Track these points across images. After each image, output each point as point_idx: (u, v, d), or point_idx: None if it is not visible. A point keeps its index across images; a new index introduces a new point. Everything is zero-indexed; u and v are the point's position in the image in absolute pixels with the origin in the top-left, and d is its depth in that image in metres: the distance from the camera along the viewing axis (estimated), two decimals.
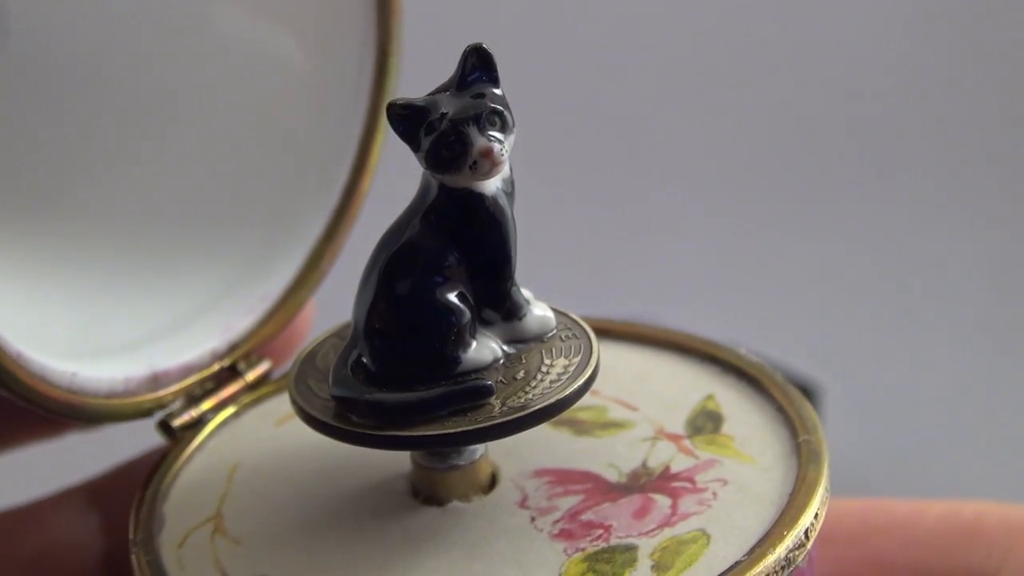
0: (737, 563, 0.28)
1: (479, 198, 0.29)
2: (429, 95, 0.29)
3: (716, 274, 0.88)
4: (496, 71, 0.29)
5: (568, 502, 0.30)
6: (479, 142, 0.28)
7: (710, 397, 0.33)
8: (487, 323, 0.30)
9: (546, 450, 0.31)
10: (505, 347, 0.30)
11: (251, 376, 0.35)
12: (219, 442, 0.34)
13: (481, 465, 0.30)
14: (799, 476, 0.30)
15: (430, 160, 0.28)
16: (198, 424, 0.34)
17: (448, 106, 0.28)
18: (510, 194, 0.29)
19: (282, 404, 0.33)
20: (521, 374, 0.29)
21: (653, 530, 0.29)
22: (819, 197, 0.92)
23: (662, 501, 0.30)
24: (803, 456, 0.30)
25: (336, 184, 0.36)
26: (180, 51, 0.37)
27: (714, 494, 0.30)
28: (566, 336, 0.30)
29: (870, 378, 0.81)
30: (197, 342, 0.34)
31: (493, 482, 0.31)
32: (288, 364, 0.34)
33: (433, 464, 0.30)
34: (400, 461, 0.31)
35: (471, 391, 0.29)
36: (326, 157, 0.36)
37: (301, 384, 0.30)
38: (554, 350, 0.30)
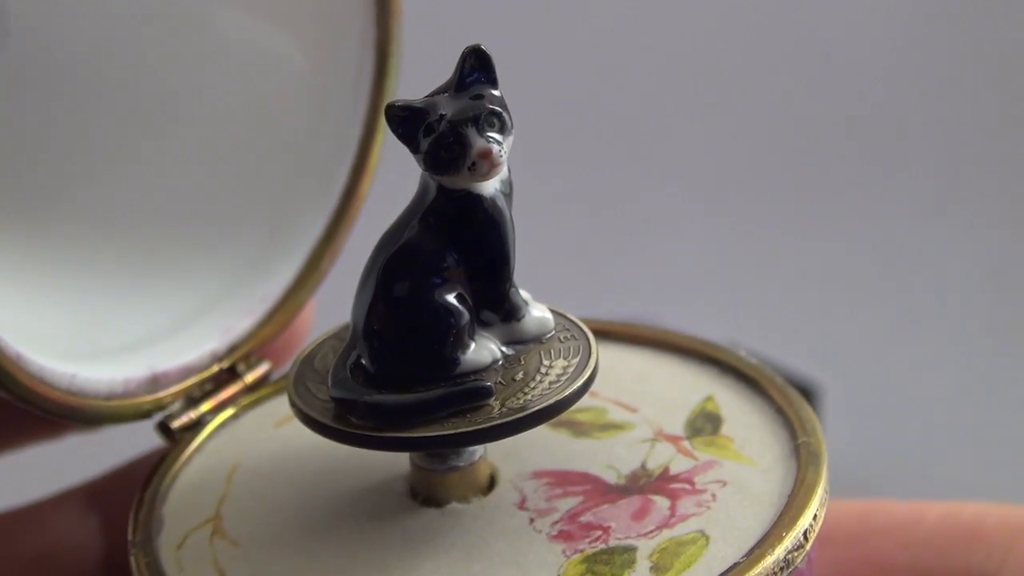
0: (736, 564, 0.28)
1: (478, 199, 0.29)
2: (428, 96, 0.29)
3: (716, 274, 0.88)
4: (495, 72, 0.29)
5: (567, 503, 0.30)
6: (478, 143, 0.28)
7: (709, 398, 0.33)
8: (486, 324, 0.30)
9: (545, 451, 0.31)
10: (504, 348, 0.30)
11: (250, 378, 0.35)
12: (218, 444, 0.34)
13: (480, 466, 0.30)
14: (798, 477, 0.30)
15: (429, 161, 0.28)
16: (197, 425, 0.34)
17: (447, 107, 0.28)
18: (508, 195, 0.29)
19: (281, 406, 0.33)
20: (520, 375, 0.29)
21: (652, 531, 0.29)
22: (819, 197, 0.92)
23: (661, 502, 0.30)
24: (802, 458, 0.30)
25: (335, 185, 0.36)
26: (180, 52, 0.37)
27: (713, 495, 0.30)
28: (565, 337, 0.30)
29: (870, 378, 0.81)
30: (196, 343, 0.34)
31: (492, 483, 0.31)
32: (287, 365, 0.33)
33: (432, 465, 0.30)
34: (399, 462, 0.31)
35: (470, 392, 0.29)
36: (325, 158, 0.36)
37: (300, 386, 0.30)
38: (553, 351, 0.30)
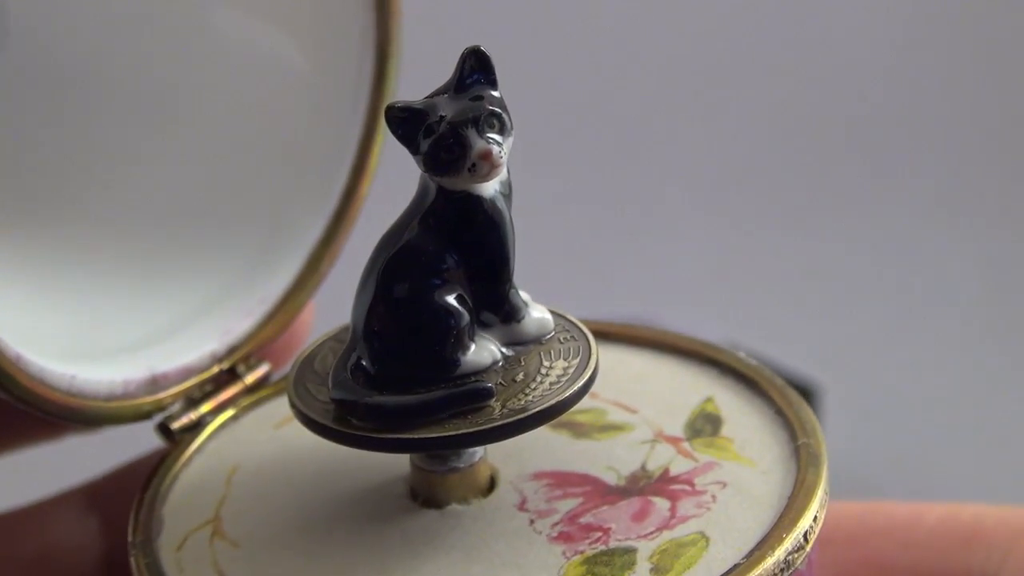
0: (736, 566, 0.28)
1: (477, 200, 0.29)
2: (427, 98, 0.29)
3: (716, 275, 0.88)
4: (494, 73, 0.29)
5: (567, 505, 0.30)
6: (478, 144, 0.28)
7: (709, 400, 0.33)
8: (485, 325, 0.30)
9: (545, 453, 0.31)
10: (504, 349, 0.30)
11: (250, 379, 0.35)
12: (218, 445, 0.34)
13: (480, 468, 0.30)
14: (798, 479, 0.30)
15: (429, 163, 0.28)
16: (197, 427, 0.34)
17: (446, 109, 0.28)
18: (507, 196, 0.29)
19: (281, 407, 0.33)
20: (520, 376, 0.29)
21: (652, 533, 0.29)
22: (819, 197, 0.92)
23: (661, 504, 0.30)
24: (802, 459, 0.30)
25: (335, 187, 0.36)
26: (180, 52, 0.37)
27: (713, 497, 0.30)
28: (564, 338, 0.30)
29: (870, 378, 0.81)
30: (196, 345, 0.34)
31: (492, 485, 0.31)
32: (287, 367, 0.33)
33: (432, 467, 0.30)
34: (399, 464, 0.31)
35: (471, 393, 0.29)
36: (325, 159, 0.36)
37: (300, 387, 0.30)
38: (553, 352, 0.30)
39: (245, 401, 0.35)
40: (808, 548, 0.29)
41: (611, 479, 0.31)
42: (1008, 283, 0.88)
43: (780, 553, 0.28)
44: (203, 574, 0.29)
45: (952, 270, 0.89)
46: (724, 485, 0.30)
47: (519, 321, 0.30)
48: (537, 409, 0.28)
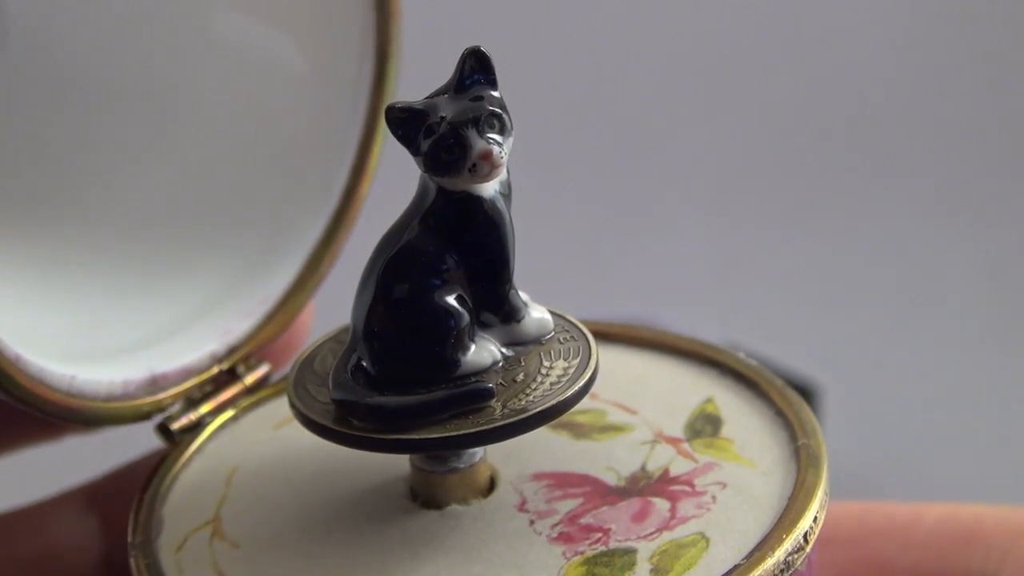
0: (736, 566, 0.28)
1: (477, 201, 0.29)
2: (427, 98, 0.29)
3: (715, 275, 0.88)
4: (494, 73, 0.29)
5: (567, 505, 0.30)
6: (478, 145, 0.28)
7: (709, 400, 0.33)
8: (485, 326, 0.30)
9: (545, 453, 0.31)
10: (504, 350, 0.30)
11: (250, 379, 0.35)
12: (218, 445, 0.34)
13: (480, 468, 0.30)
14: (798, 480, 0.30)
15: (429, 163, 0.28)
16: (197, 427, 0.34)
17: (447, 109, 0.28)
18: (507, 196, 0.29)
19: (281, 407, 0.33)
20: (521, 376, 0.29)
21: (652, 533, 0.29)
22: (819, 197, 0.92)
23: (661, 504, 0.30)
24: (802, 460, 0.30)
25: (335, 187, 0.36)
26: (179, 53, 0.37)
27: (713, 497, 0.30)
28: (564, 339, 0.30)
29: (870, 378, 0.81)
30: (196, 345, 0.34)
31: (492, 485, 0.31)
32: (287, 367, 0.33)
33: (432, 467, 0.30)
34: (398, 464, 0.31)
35: (472, 394, 0.29)
36: (325, 160, 0.36)
37: (300, 388, 0.30)
38: (553, 352, 0.30)
39: (245, 402, 0.35)
40: (808, 549, 0.29)
41: (611, 480, 0.31)
42: (1008, 283, 0.88)
43: (780, 554, 0.28)
44: (203, 575, 0.29)
45: (952, 270, 0.89)
46: (724, 486, 0.30)
47: (519, 321, 0.30)
48: (538, 409, 0.28)
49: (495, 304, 0.30)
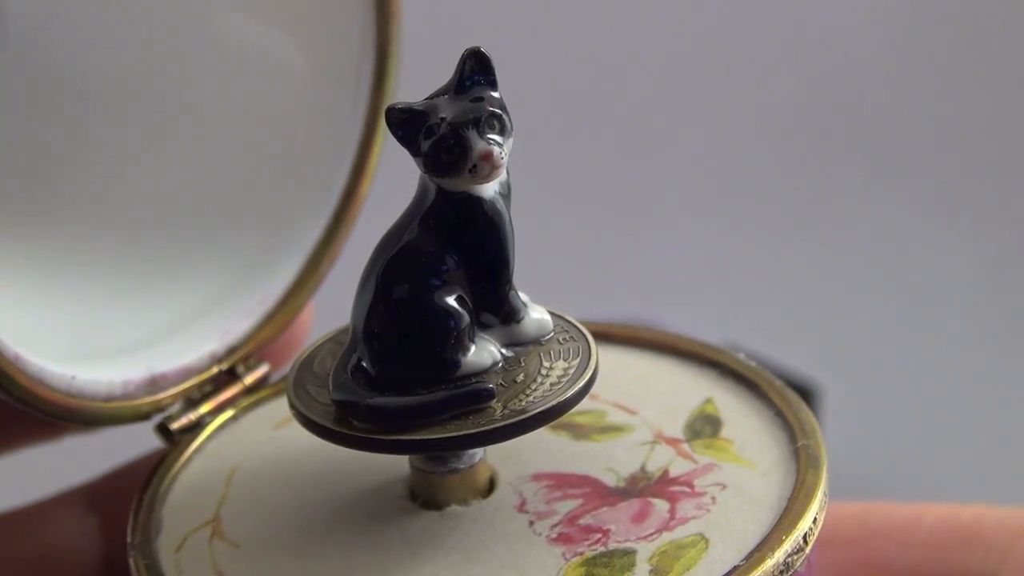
0: (735, 567, 0.28)
1: (477, 202, 0.29)
2: (427, 99, 0.29)
3: (715, 275, 0.88)
4: (494, 74, 0.29)
5: (567, 506, 0.30)
6: (479, 145, 0.28)
7: (709, 401, 0.33)
8: (485, 326, 0.30)
9: (545, 454, 0.31)
10: (503, 350, 0.30)
11: (250, 379, 0.35)
12: (217, 445, 0.34)
13: (480, 469, 0.30)
14: (798, 480, 0.30)
15: (429, 164, 0.28)
16: (196, 427, 0.34)
17: (447, 110, 0.28)
18: (506, 197, 0.29)
19: (280, 407, 0.33)
20: (521, 377, 0.29)
21: (652, 534, 0.29)
22: (819, 197, 0.92)
23: (660, 505, 0.30)
24: (802, 460, 0.30)
25: (335, 187, 0.36)
26: (179, 53, 0.37)
27: (712, 498, 0.30)
28: (564, 339, 0.30)
29: (870, 378, 0.81)
30: (196, 345, 0.34)
31: (491, 486, 0.31)
32: (287, 367, 0.33)
33: (432, 468, 0.30)
34: (398, 465, 0.31)
35: (473, 394, 0.29)
36: (325, 160, 0.36)
37: (299, 389, 0.30)
38: (552, 353, 0.30)
39: (244, 402, 0.35)
40: (807, 549, 0.29)
41: (611, 480, 0.31)
42: (1008, 283, 0.88)
43: (779, 555, 0.28)
44: (202, 575, 0.29)
45: (952, 270, 0.89)
46: (724, 487, 0.30)
47: (518, 322, 0.30)
48: (539, 410, 0.28)
49: (495, 305, 0.30)
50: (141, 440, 0.35)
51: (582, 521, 0.29)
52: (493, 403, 0.29)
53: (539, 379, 0.29)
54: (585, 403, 0.29)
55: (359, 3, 0.35)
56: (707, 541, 0.29)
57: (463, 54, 0.29)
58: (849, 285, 0.88)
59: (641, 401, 0.33)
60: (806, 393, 0.67)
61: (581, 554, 0.29)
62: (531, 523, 0.30)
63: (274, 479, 0.32)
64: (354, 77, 0.36)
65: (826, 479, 0.30)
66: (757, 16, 0.95)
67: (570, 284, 0.71)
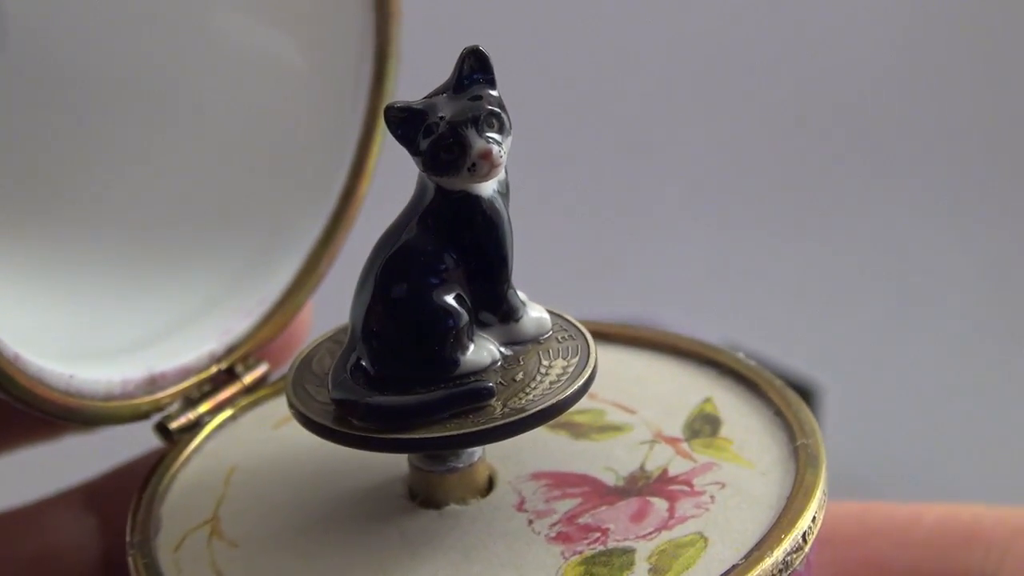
0: (735, 566, 0.28)
1: (476, 200, 0.29)
2: (426, 98, 0.29)
3: (715, 275, 0.88)
4: (493, 73, 0.29)
5: (566, 505, 0.30)
6: (478, 144, 0.28)
7: (708, 400, 0.33)
8: (484, 325, 0.30)
9: (544, 453, 0.31)
10: (502, 349, 0.30)
11: (249, 379, 0.35)
12: (216, 445, 0.34)
13: (479, 468, 0.30)
14: (797, 480, 0.30)
15: (428, 163, 0.28)
16: (195, 427, 0.34)
17: (446, 109, 0.28)
18: (505, 195, 0.29)
19: (279, 407, 0.33)
20: (520, 376, 0.29)
21: (651, 533, 0.29)
22: (818, 198, 0.92)
23: (660, 504, 0.30)
24: (801, 460, 0.30)
25: (334, 187, 0.36)
26: (179, 53, 0.37)
27: (712, 497, 0.30)
28: (562, 338, 0.30)
29: (870, 378, 0.81)
30: (195, 345, 0.34)
31: (491, 485, 0.31)
32: (286, 367, 0.33)
33: (431, 467, 0.30)
34: (397, 464, 0.31)
35: (472, 393, 0.29)
36: (324, 160, 0.36)
37: (298, 388, 0.30)
38: (551, 351, 0.30)
39: (243, 401, 0.35)
40: (807, 549, 0.29)
41: (610, 479, 0.31)
42: (1008, 283, 0.88)
43: (779, 554, 0.28)
44: (201, 574, 0.29)
45: (952, 270, 0.89)
46: (723, 486, 0.30)
47: (517, 321, 0.30)
48: (538, 408, 0.28)
49: (494, 303, 0.30)
50: (140, 439, 0.35)
51: (581, 520, 0.29)
52: (492, 402, 0.29)
53: (538, 378, 0.29)
54: (584, 402, 0.29)
55: (359, 3, 0.35)
56: (706, 540, 0.29)
57: (462, 52, 0.29)
58: (849, 285, 0.88)
59: (640, 400, 0.33)
60: (806, 393, 0.67)
61: (580, 553, 0.29)
62: (530, 522, 0.30)
63: (273, 478, 0.32)
64: (353, 77, 0.36)
65: (825, 478, 0.30)
66: (757, 16, 0.95)
67: (570, 284, 0.71)
